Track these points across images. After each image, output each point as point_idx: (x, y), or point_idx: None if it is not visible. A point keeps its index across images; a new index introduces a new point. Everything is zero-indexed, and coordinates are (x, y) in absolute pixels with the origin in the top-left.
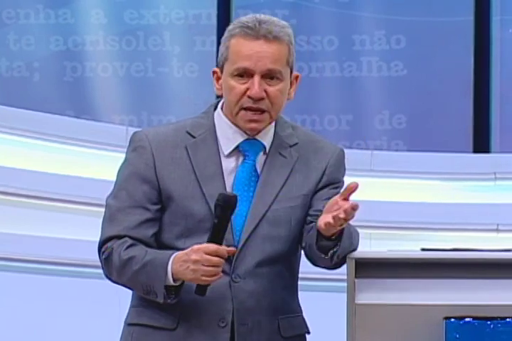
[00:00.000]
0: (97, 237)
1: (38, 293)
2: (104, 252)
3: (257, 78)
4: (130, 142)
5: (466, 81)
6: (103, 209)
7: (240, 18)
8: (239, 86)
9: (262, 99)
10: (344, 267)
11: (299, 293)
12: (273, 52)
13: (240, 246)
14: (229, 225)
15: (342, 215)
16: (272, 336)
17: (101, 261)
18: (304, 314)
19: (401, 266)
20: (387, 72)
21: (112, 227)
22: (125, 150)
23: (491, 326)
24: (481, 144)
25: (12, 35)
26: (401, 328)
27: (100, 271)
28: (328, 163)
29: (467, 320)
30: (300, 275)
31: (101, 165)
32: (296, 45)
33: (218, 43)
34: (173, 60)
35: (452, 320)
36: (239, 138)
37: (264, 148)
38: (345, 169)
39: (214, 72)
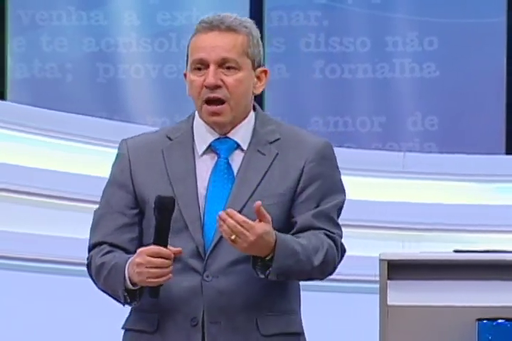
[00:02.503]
0: None
1: (59, 293)
2: (87, 259)
3: (212, 67)
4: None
5: (499, 82)
6: None
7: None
8: (197, 78)
9: (217, 86)
10: (377, 268)
11: (334, 294)
12: (227, 42)
13: (212, 245)
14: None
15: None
16: (249, 334)
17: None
18: (337, 315)
19: (434, 267)
20: (419, 74)
21: (94, 235)
22: None
23: None
24: None
25: (45, 37)
26: (433, 330)
27: None
28: (306, 160)
29: (500, 321)
30: (331, 276)
31: None
32: (328, 46)
33: None
34: None
35: (485, 321)
36: (211, 137)
37: (238, 145)
38: (332, 161)
39: (185, 75)
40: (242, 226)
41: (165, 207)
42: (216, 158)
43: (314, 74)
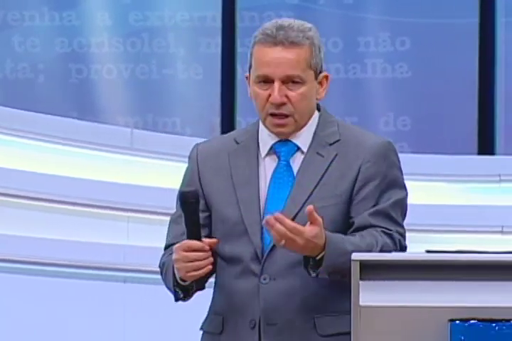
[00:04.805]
0: (100, 238)
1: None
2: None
3: (276, 84)
4: None
5: (471, 83)
6: (106, 211)
7: (265, 23)
8: (262, 92)
9: (283, 104)
10: None
11: None
12: (291, 58)
13: (269, 247)
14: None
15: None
16: (307, 335)
17: None
18: None
19: (406, 267)
20: (391, 74)
21: (166, 239)
22: (129, 151)
23: (496, 328)
24: (486, 146)
25: (17, 37)
26: (406, 330)
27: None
28: (363, 160)
29: (472, 322)
30: None
31: (106, 167)
32: None
33: (223, 45)
34: (177, 61)
35: (457, 322)
36: (273, 139)
37: (298, 148)
38: (392, 161)
39: (246, 77)
40: (292, 232)
41: (188, 201)
42: (277, 160)
43: None
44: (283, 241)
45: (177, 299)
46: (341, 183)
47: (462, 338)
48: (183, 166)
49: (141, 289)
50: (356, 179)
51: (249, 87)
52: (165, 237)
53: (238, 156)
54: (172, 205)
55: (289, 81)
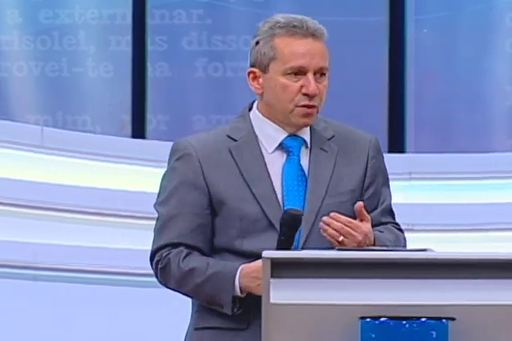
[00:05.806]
0: (11, 236)
1: None
2: (159, 261)
3: (311, 75)
4: (174, 151)
5: (381, 81)
6: (17, 209)
7: (273, 18)
8: (292, 84)
9: (315, 95)
10: None
11: None
12: (322, 50)
13: (302, 241)
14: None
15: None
16: None
17: (155, 270)
18: None
19: (316, 265)
20: None
21: (165, 235)
22: (40, 149)
23: (407, 326)
24: (396, 144)
25: None
26: (316, 328)
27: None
28: (368, 156)
29: (383, 319)
30: None
31: (15, 165)
32: (211, 44)
33: (133, 43)
34: (88, 59)
35: (368, 319)
36: (281, 135)
37: (305, 142)
38: (383, 156)
39: (250, 73)
40: (348, 226)
41: (296, 223)
42: (285, 155)
43: (197, 72)
44: (341, 238)
45: (232, 310)
46: (353, 178)
47: (373, 336)
48: (93, 164)
49: (52, 287)
50: (365, 175)
51: (252, 82)
52: (78, 235)
53: (242, 153)
54: (84, 203)
55: (319, 72)
